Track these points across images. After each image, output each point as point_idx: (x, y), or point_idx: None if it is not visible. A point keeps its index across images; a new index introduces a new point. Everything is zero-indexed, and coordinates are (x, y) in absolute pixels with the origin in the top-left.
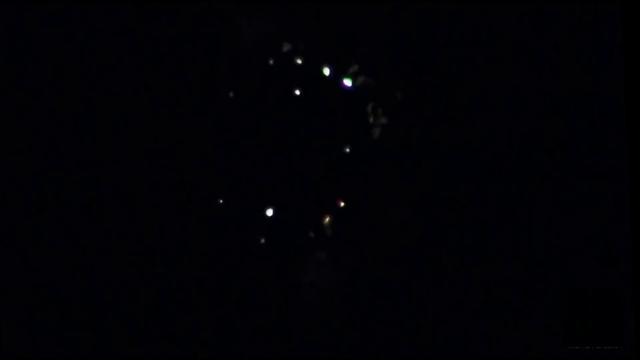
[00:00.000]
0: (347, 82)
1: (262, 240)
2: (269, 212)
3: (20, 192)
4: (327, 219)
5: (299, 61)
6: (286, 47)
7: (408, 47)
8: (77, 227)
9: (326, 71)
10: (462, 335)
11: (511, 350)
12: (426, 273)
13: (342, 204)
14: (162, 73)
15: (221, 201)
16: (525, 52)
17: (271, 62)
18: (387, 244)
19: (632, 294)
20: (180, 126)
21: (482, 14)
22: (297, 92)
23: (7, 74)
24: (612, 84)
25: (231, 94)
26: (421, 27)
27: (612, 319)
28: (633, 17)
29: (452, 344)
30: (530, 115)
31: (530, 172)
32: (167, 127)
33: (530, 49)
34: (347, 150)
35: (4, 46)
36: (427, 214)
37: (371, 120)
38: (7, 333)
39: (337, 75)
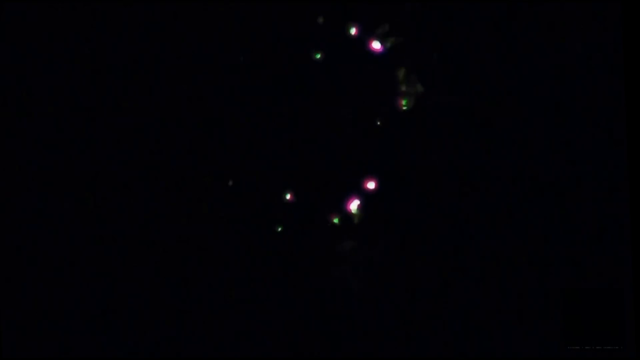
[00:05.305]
0: (376, 45)
1: (279, 229)
2: (287, 196)
3: (20, 193)
4: (354, 205)
5: (321, 20)
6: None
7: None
8: (78, 226)
9: (352, 31)
10: (462, 335)
11: (511, 350)
12: (425, 273)
13: (372, 186)
14: (177, 36)
15: (231, 183)
16: (526, 51)
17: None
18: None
19: (632, 294)
20: (196, 96)
21: (482, 13)
22: (319, 56)
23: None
24: (612, 84)
25: (241, 59)
26: None
27: (612, 319)
28: (633, 17)
29: (452, 344)
30: (531, 115)
31: (531, 172)
32: (183, 97)
33: (530, 48)
34: (378, 123)
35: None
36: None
37: (403, 88)
38: (6, 333)
39: (364, 37)
